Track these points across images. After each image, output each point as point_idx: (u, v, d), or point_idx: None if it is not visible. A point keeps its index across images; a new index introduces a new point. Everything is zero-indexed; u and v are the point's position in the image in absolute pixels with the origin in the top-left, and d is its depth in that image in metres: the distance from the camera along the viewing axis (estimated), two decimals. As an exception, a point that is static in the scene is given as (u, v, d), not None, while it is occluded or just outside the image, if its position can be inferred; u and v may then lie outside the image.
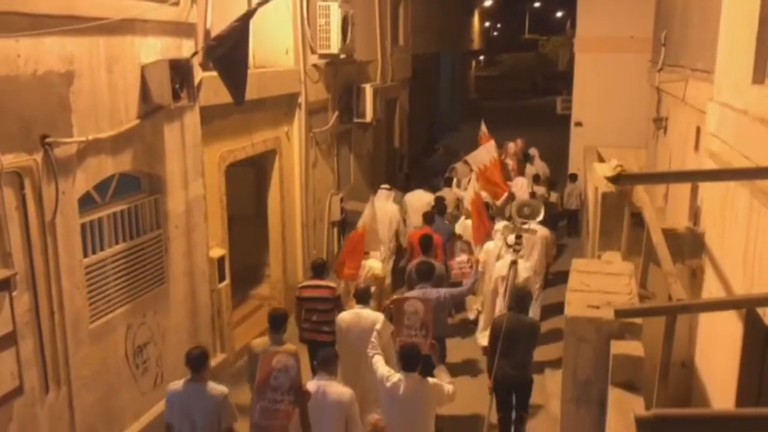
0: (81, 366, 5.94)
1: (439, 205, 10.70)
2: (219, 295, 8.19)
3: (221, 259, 8.22)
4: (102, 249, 6.32)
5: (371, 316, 6.70)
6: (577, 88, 16.55)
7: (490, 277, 8.61)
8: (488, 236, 8.97)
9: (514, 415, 6.99)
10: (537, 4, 62.01)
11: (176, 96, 6.56)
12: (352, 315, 6.89)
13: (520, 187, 11.91)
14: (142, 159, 6.68)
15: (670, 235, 6.10)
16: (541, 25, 60.04)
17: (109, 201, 6.45)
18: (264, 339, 6.48)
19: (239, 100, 7.02)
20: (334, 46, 10.38)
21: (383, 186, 11.33)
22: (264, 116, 9.27)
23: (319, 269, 7.80)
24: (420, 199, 11.53)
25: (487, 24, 45.66)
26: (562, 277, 8.76)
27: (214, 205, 8.18)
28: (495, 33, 60.48)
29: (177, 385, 5.51)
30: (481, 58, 44.35)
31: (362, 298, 6.95)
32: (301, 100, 10.15)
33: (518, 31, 62.12)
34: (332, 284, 7.76)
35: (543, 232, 9.46)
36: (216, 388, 5.47)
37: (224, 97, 7.18)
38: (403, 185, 14.17)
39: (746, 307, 4.00)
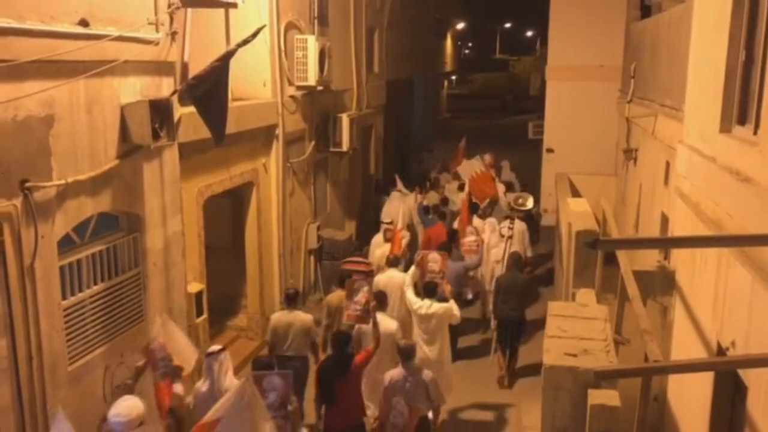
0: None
1: (440, 209, 12.94)
2: (197, 331, 8.18)
3: (199, 294, 8.22)
4: (81, 290, 6.29)
5: (400, 276, 8.91)
6: (549, 115, 16.85)
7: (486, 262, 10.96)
8: (470, 224, 11.21)
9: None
10: (507, 25, 63.00)
11: (156, 135, 6.59)
12: (387, 278, 8.95)
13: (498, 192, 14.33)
14: (121, 198, 6.68)
15: (641, 273, 6.27)
16: (512, 45, 61.03)
17: (87, 241, 6.44)
18: None
19: (219, 139, 7.06)
20: (311, 78, 10.49)
21: (396, 189, 13.90)
22: (242, 149, 9.32)
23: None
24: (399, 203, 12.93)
25: (458, 43, 46.26)
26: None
27: (192, 239, 8.19)
28: (467, 51, 61.24)
29: None
30: (453, 78, 44.87)
31: (393, 262, 9.21)
32: (279, 131, 10.23)
33: (489, 51, 63.03)
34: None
35: (521, 226, 11.53)
36: None
37: (203, 132, 7.23)
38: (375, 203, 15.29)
39: (723, 368, 4.15)
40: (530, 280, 10.08)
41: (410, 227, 12.46)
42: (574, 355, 4.19)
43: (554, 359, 4.22)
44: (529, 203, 13.49)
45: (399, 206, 11.53)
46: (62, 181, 5.77)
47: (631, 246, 6.55)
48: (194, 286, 8.17)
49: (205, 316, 8.33)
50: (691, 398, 5.42)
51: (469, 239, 10.75)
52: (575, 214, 8.56)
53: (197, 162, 8.16)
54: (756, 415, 4.05)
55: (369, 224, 14.64)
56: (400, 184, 14.39)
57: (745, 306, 4.21)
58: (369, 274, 8.94)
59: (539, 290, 12.54)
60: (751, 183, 4.19)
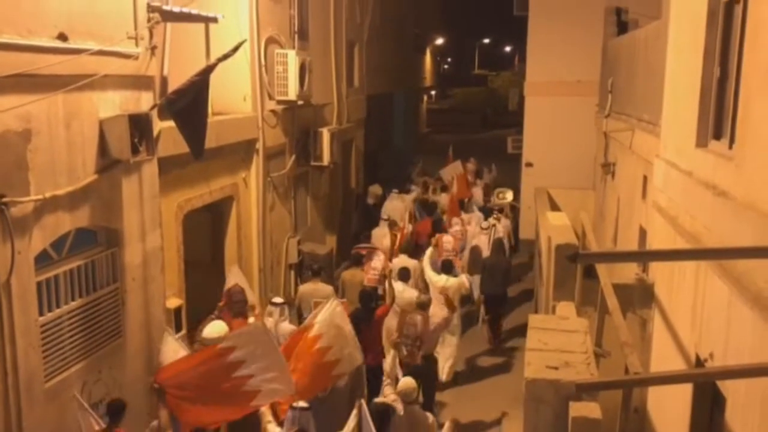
0: (36, 427, 5.79)
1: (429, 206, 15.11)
2: (176, 346, 8.08)
3: (178, 309, 8.14)
4: (58, 306, 6.21)
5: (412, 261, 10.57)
6: (528, 129, 17.01)
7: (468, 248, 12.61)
8: (458, 215, 13.34)
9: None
10: (486, 40, 63.60)
11: (135, 150, 6.55)
12: (403, 260, 10.57)
13: (477, 192, 16.85)
14: (100, 213, 6.62)
15: (620, 286, 6.33)
16: (491, 60, 61.58)
17: (65, 257, 6.36)
18: None
19: (198, 153, 7.03)
20: (292, 92, 10.50)
21: (394, 191, 15.30)
22: (222, 163, 9.29)
23: (316, 273, 8.86)
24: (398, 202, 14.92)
25: (438, 58, 46.59)
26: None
27: (171, 254, 8.13)
28: (446, 66, 61.67)
29: None
30: (433, 92, 45.12)
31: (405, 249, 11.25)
32: (259, 146, 10.21)
33: (468, 66, 63.52)
34: None
35: (505, 222, 13.53)
36: None
37: (183, 147, 7.19)
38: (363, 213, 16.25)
39: (702, 380, 4.20)
40: (510, 262, 12.23)
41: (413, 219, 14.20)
42: (556, 368, 4.22)
43: (535, 372, 4.23)
44: (509, 196, 16.18)
45: (398, 205, 13.69)
46: (40, 196, 5.70)
47: (610, 260, 6.63)
48: (173, 302, 8.09)
49: (184, 331, 8.25)
50: (670, 409, 5.47)
51: (454, 229, 12.69)
52: (555, 228, 8.64)
53: (177, 176, 8.11)
54: (734, 425, 4.09)
55: (350, 238, 14.65)
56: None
57: (722, 318, 4.27)
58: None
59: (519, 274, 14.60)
60: (728, 197, 4.26)
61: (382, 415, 6.37)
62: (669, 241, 5.82)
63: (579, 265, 7.09)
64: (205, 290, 9.92)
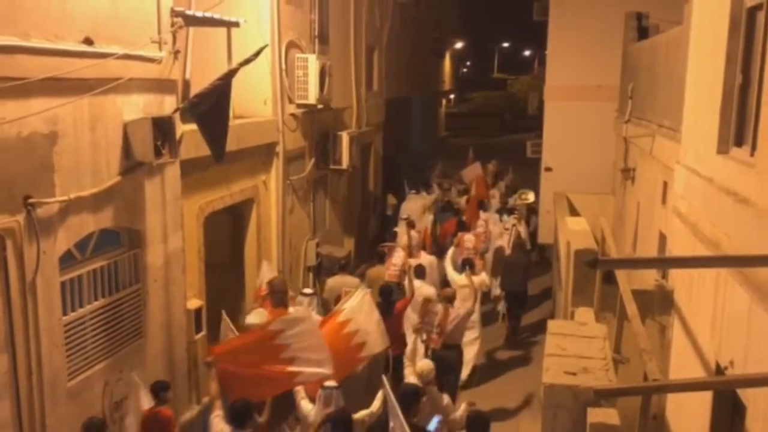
0: (58, 425, 5.89)
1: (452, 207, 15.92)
2: (195, 347, 8.17)
3: (198, 311, 8.22)
4: (81, 306, 6.31)
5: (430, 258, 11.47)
6: (547, 134, 16.94)
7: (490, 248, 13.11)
8: (477, 218, 13.60)
9: None
10: (506, 44, 63.41)
11: (158, 153, 6.64)
12: (427, 258, 11.21)
13: (495, 194, 17.31)
14: (123, 214, 6.72)
15: (639, 292, 6.30)
16: (510, 64, 61.37)
17: (89, 257, 6.46)
18: None
19: (219, 157, 7.12)
20: (312, 96, 10.57)
21: (412, 191, 15.85)
22: (242, 166, 9.38)
23: (343, 267, 9.11)
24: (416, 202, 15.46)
25: (457, 62, 46.55)
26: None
27: (192, 256, 8.21)
28: (465, 70, 61.57)
29: None
30: (452, 96, 45.07)
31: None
32: (279, 149, 10.29)
33: (487, 70, 63.34)
34: None
35: (521, 227, 13.71)
36: None
37: (205, 150, 7.28)
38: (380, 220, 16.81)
39: (721, 388, 4.18)
40: (530, 260, 12.97)
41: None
42: (574, 374, 4.22)
43: (554, 378, 4.24)
44: (531, 197, 16.93)
45: (415, 205, 14.42)
46: (65, 198, 5.81)
47: (630, 266, 6.62)
48: (194, 303, 8.18)
49: (204, 332, 8.33)
50: (690, 417, 5.44)
51: (478, 230, 13.04)
52: (574, 233, 8.62)
53: (198, 179, 8.21)
54: (755, 434, 4.07)
55: (368, 241, 14.70)
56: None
57: (743, 326, 4.25)
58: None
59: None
60: (749, 204, 4.24)
61: (411, 396, 6.47)
62: (689, 247, 5.79)
63: (598, 270, 7.07)
64: (224, 291, 10.02)
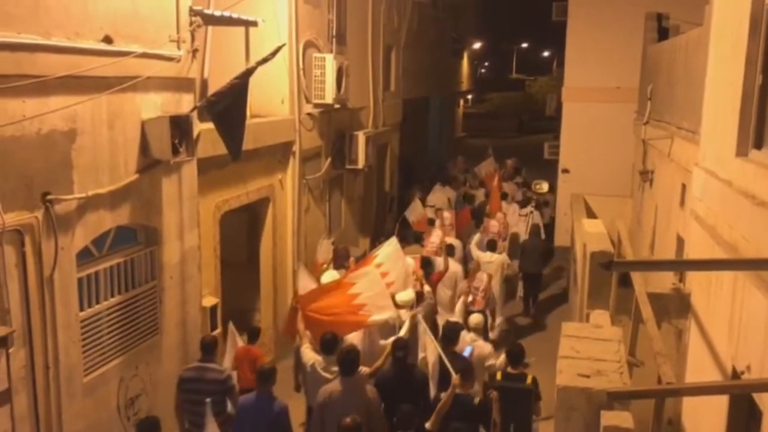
0: (74, 420, 5.95)
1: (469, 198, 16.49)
2: (211, 344, 8.20)
3: (214, 308, 8.27)
4: (98, 302, 6.37)
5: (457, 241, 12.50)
6: (565, 135, 16.85)
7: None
8: (499, 208, 14.13)
9: None
10: (524, 45, 63.13)
11: (176, 151, 6.69)
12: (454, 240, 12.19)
13: (511, 187, 17.48)
14: (140, 212, 6.77)
15: (656, 295, 6.25)
16: (528, 65, 61.09)
17: (105, 254, 6.52)
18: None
19: (236, 155, 7.15)
20: (329, 96, 10.59)
21: (438, 183, 16.54)
22: (259, 165, 9.41)
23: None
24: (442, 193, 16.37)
25: (475, 62, 46.44)
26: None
27: (208, 253, 8.26)
28: (483, 71, 61.38)
29: None
30: (469, 96, 44.96)
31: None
32: (296, 148, 10.32)
33: (506, 71, 63.12)
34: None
35: (536, 217, 14.57)
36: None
37: (221, 148, 7.33)
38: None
39: (738, 392, 4.13)
40: (546, 244, 14.06)
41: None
42: (588, 376, 4.19)
43: (567, 380, 4.21)
44: (545, 187, 17.75)
45: (441, 196, 15.63)
46: (83, 194, 5.87)
47: (646, 268, 6.56)
48: (209, 300, 8.23)
49: (219, 329, 8.37)
50: (705, 422, 5.38)
51: (499, 216, 13.61)
52: (590, 235, 8.55)
53: (215, 177, 8.25)
54: (771, 440, 4.02)
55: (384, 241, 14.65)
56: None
57: (760, 330, 4.19)
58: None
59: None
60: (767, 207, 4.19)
61: (453, 331, 7.51)
62: (707, 250, 5.72)
63: (614, 273, 7.01)
64: (240, 289, 10.07)
